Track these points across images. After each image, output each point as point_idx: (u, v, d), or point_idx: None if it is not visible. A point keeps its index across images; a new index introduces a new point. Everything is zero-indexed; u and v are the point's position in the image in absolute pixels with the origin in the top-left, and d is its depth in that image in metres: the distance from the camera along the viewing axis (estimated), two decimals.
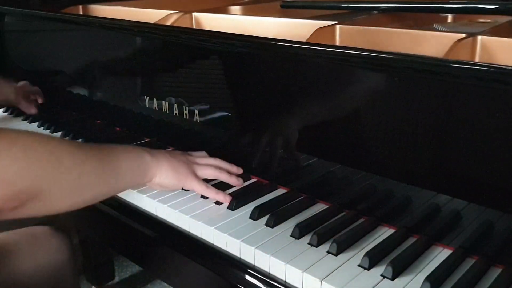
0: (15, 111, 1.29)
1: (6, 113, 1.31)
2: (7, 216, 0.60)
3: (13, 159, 0.58)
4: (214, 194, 0.82)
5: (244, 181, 0.89)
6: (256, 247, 0.70)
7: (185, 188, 0.83)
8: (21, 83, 1.30)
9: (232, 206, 0.80)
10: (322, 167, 0.82)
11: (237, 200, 0.80)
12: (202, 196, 0.84)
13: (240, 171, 0.88)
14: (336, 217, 0.77)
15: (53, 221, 1.07)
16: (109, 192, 0.73)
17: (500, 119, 0.62)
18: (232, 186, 0.86)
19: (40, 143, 0.62)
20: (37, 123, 1.22)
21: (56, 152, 0.64)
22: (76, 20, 1.24)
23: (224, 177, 0.85)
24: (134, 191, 0.86)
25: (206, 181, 0.84)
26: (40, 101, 1.29)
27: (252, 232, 0.73)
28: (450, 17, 1.14)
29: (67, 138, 1.11)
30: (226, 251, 0.73)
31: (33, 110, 1.25)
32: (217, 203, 0.82)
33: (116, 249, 1.27)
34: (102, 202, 0.89)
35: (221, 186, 0.85)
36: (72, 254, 1.00)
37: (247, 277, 0.69)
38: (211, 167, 0.85)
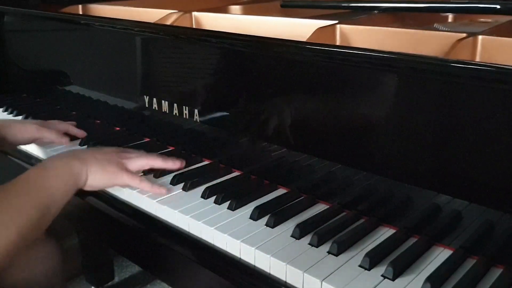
0: (14, 111, 1.29)
1: (6, 113, 1.30)
2: None
3: None
4: (149, 188, 0.82)
5: (244, 181, 0.89)
6: (256, 248, 0.70)
7: (119, 185, 0.83)
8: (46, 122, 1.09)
9: (232, 206, 0.80)
10: (322, 167, 0.82)
11: (237, 200, 0.80)
12: (202, 196, 0.83)
13: (178, 162, 0.88)
14: (337, 217, 0.77)
15: (50, 226, 1.06)
16: (54, 212, 0.74)
17: (500, 119, 0.62)
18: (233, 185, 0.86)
19: None
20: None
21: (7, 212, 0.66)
22: (75, 19, 1.24)
23: (158, 164, 0.85)
24: (134, 191, 0.86)
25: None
26: (80, 134, 1.09)
27: (252, 233, 0.73)
28: (450, 17, 1.14)
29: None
30: (226, 251, 0.73)
31: (64, 140, 1.04)
32: (217, 202, 0.82)
33: (116, 249, 1.27)
34: (101, 201, 0.90)
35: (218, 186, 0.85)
36: (62, 261, 1.00)
37: (247, 277, 0.69)
38: (143, 157, 0.85)
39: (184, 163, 0.88)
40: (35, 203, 0.71)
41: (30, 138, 1.02)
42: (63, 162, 0.78)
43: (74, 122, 1.11)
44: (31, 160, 1.09)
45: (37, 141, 1.03)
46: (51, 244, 0.99)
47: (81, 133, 1.08)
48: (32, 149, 1.08)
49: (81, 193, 0.83)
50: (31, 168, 0.76)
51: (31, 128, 1.01)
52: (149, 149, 1.02)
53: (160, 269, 0.85)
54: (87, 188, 0.80)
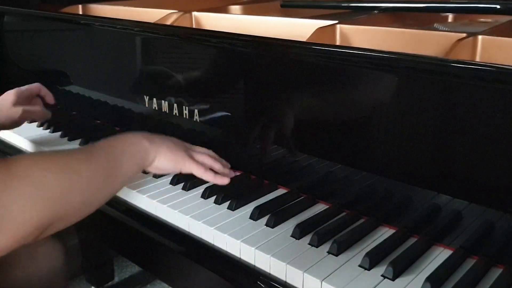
0: None
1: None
2: (29, 242, 0.60)
3: (27, 199, 0.58)
4: (212, 177, 0.82)
5: (244, 181, 0.89)
6: (256, 248, 0.70)
7: (183, 171, 0.83)
8: (13, 91, 1.09)
9: (232, 206, 0.80)
10: (322, 167, 0.82)
11: (237, 200, 0.80)
12: (202, 197, 0.83)
13: (227, 166, 0.89)
14: (337, 217, 0.77)
15: None
16: (116, 189, 0.74)
17: (500, 119, 0.62)
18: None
19: (49, 172, 0.62)
20: (37, 123, 1.22)
21: (65, 179, 0.63)
22: (75, 19, 1.24)
23: (218, 167, 0.86)
24: (134, 191, 0.86)
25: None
26: (49, 100, 1.12)
27: (252, 232, 0.73)
28: (450, 17, 1.14)
29: (66, 138, 1.11)
30: (226, 252, 0.73)
31: (46, 114, 1.07)
32: (217, 202, 0.82)
33: (115, 249, 1.27)
34: None
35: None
36: (65, 258, 1.00)
37: (247, 277, 0.69)
38: (207, 156, 0.86)
39: (233, 175, 0.88)
40: (105, 166, 0.70)
41: (18, 121, 1.05)
42: (134, 139, 0.78)
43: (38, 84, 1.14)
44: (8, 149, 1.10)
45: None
46: (54, 244, 0.99)
47: (49, 95, 1.11)
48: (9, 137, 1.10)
49: None
50: (104, 140, 0.75)
51: (17, 112, 1.02)
52: None
53: (160, 269, 0.85)
54: (153, 169, 0.80)
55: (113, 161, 0.72)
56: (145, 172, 0.89)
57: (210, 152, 0.89)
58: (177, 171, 0.83)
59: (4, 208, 0.55)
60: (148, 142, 0.79)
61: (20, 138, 1.14)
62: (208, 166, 0.85)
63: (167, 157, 0.80)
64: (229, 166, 0.90)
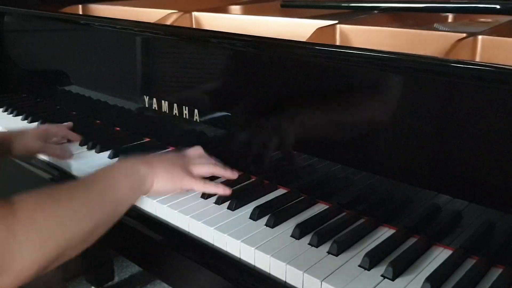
0: (14, 111, 1.29)
1: (6, 113, 1.30)
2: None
3: (31, 244, 0.59)
4: (214, 188, 0.82)
5: (244, 181, 0.89)
6: (256, 248, 0.70)
7: (183, 190, 0.83)
8: (43, 126, 1.12)
9: (232, 206, 0.80)
10: (322, 167, 0.82)
11: (237, 200, 0.80)
12: (202, 196, 0.83)
13: (235, 172, 0.88)
14: (337, 218, 0.77)
15: None
16: (115, 218, 0.73)
17: (500, 119, 0.62)
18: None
19: (53, 218, 0.63)
20: (37, 123, 1.22)
21: (67, 221, 0.65)
22: (75, 19, 1.24)
23: (219, 171, 0.86)
24: None
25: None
26: (75, 139, 1.09)
27: (252, 233, 0.73)
28: (450, 17, 1.14)
29: None
30: (226, 252, 0.73)
31: (67, 155, 1.02)
32: (217, 202, 0.82)
33: (115, 249, 1.27)
34: None
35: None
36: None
37: (247, 277, 0.69)
38: (205, 165, 0.85)
39: (237, 174, 0.88)
40: (103, 200, 0.70)
41: (33, 154, 1.04)
42: (130, 165, 0.77)
43: (71, 123, 1.13)
44: (31, 160, 1.09)
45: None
46: None
47: (77, 137, 1.09)
48: None
49: None
50: (99, 169, 0.75)
51: (35, 145, 1.01)
52: (149, 149, 1.02)
53: (160, 269, 0.85)
54: (152, 193, 0.79)
55: (110, 193, 0.72)
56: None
57: (209, 159, 0.87)
58: (177, 190, 0.82)
59: (11, 252, 0.57)
60: (144, 166, 0.77)
61: None
62: (208, 175, 0.85)
63: (164, 179, 0.79)
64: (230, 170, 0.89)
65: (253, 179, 0.90)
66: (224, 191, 0.82)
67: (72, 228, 0.65)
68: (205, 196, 0.83)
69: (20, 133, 1.03)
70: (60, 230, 0.63)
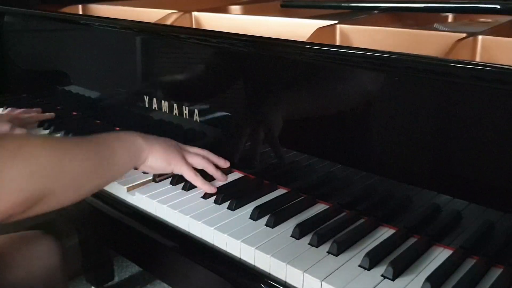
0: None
1: (1, 109, 1.30)
2: (15, 218, 0.61)
3: (18, 168, 0.59)
4: (201, 183, 0.84)
5: (244, 181, 0.89)
6: (256, 248, 0.70)
7: (174, 172, 0.85)
8: (16, 111, 1.18)
9: (232, 206, 0.80)
10: (322, 167, 0.82)
11: (237, 200, 0.80)
12: (203, 197, 0.84)
13: (227, 164, 0.90)
14: (337, 217, 0.77)
15: (46, 225, 1.06)
16: (108, 180, 0.75)
17: (500, 119, 0.62)
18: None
19: (41, 148, 0.64)
20: (37, 123, 1.22)
21: (57, 154, 0.65)
22: (75, 19, 1.24)
23: (211, 170, 0.88)
24: (134, 191, 0.86)
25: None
26: (47, 117, 1.18)
27: (252, 233, 0.73)
28: (450, 17, 1.14)
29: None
30: (226, 252, 0.73)
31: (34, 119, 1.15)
32: (217, 202, 0.82)
33: (115, 249, 1.27)
34: (101, 202, 0.90)
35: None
36: (63, 259, 1.00)
37: (247, 277, 0.69)
38: (200, 157, 0.87)
39: (226, 178, 0.89)
40: (98, 153, 0.71)
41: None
42: (129, 136, 0.80)
43: (39, 109, 1.20)
44: None
45: None
46: (50, 242, 0.99)
47: (49, 115, 1.15)
48: None
49: None
50: (98, 136, 0.77)
51: (1, 128, 1.04)
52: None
53: (160, 269, 0.85)
54: (145, 168, 0.82)
55: (107, 151, 0.73)
56: (135, 168, 0.89)
57: (205, 152, 0.89)
58: (168, 171, 0.84)
59: None
60: (143, 140, 0.80)
61: None
62: (199, 168, 0.86)
63: (160, 156, 0.81)
64: (229, 164, 0.91)
65: (253, 179, 0.90)
66: (210, 189, 0.84)
67: (62, 170, 0.65)
68: (206, 196, 0.83)
69: None
70: (47, 166, 0.63)
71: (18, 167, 0.59)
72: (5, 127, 1.04)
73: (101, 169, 0.72)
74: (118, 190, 0.89)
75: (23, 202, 0.60)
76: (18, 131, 1.07)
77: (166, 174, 0.89)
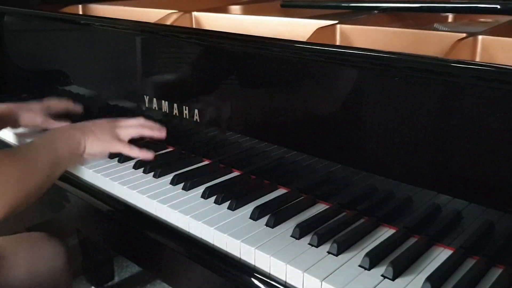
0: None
1: None
2: None
3: None
4: (136, 153, 0.89)
5: (244, 181, 0.89)
6: (256, 248, 0.70)
7: (112, 152, 0.90)
8: (46, 101, 1.15)
9: (232, 206, 0.80)
10: (322, 167, 0.82)
11: (237, 200, 0.80)
12: (202, 196, 0.84)
13: (163, 133, 0.93)
14: (337, 217, 0.77)
15: (50, 226, 1.06)
16: (55, 175, 0.81)
17: (500, 119, 0.62)
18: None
19: (9, 167, 0.73)
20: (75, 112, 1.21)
21: (23, 170, 0.75)
22: (75, 19, 1.24)
23: (147, 132, 0.92)
24: (134, 191, 0.86)
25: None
26: (77, 109, 1.15)
27: (252, 232, 0.73)
28: (450, 17, 1.14)
29: None
30: (226, 252, 0.73)
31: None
32: (217, 202, 0.82)
33: (115, 249, 1.27)
34: (102, 202, 0.90)
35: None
36: (67, 260, 1.00)
37: (247, 277, 0.69)
38: (133, 127, 0.92)
39: (164, 132, 0.94)
40: (43, 160, 0.79)
41: (36, 127, 1.10)
42: (66, 131, 0.88)
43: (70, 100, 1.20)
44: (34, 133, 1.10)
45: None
46: (56, 244, 0.99)
47: (78, 108, 1.16)
48: None
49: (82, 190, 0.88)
50: (37, 136, 0.85)
51: (39, 119, 1.09)
52: (149, 149, 1.02)
53: (160, 269, 0.85)
54: (86, 155, 0.87)
55: (50, 157, 0.81)
56: (120, 160, 0.97)
57: (138, 120, 0.94)
58: (106, 152, 0.90)
59: None
60: (79, 132, 0.86)
61: (20, 138, 1.14)
62: (135, 136, 0.91)
63: (94, 143, 0.87)
64: (165, 133, 0.94)
65: (253, 179, 0.90)
66: (146, 155, 0.89)
67: (26, 182, 0.74)
68: (205, 196, 0.83)
69: (27, 106, 1.10)
70: (15, 182, 0.72)
71: None
72: (39, 119, 1.08)
73: (48, 171, 0.79)
74: (119, 189, 0.89)
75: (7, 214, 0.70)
76: (53, 123, 1.09)
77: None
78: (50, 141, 0.84)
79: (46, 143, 0.83)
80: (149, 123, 0.94)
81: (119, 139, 0.90)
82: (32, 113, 1.08)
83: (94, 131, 0.88)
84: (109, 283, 1.70)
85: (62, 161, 0.82)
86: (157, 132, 0.93)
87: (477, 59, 0.79)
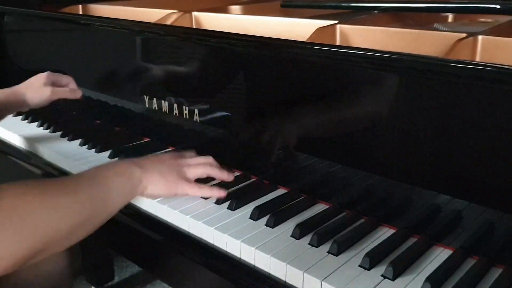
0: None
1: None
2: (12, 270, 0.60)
3: (13, 231, 0.58)
4: (208, 193, 0.82)
5: (244, 181, 0.89)
6: (256, 248, 0.70)
7: (178, 195, 0.81)
8: (45, 74, 1.13)
9: (232, 206, 0.80)
10: (322, 167, 0.82)
11: (237, 200, 0.80)
12: (202, 196, 0.83)
13: (231, 177, 0.87)
14: (337, 217, 0.77)
15: None
16: (103, 221, 0.72)
17: (500, 119, 0.62)
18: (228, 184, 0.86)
19: (37, 206, 0.62)
20: (37, 122, 1.22)
21: (53, 211, 0.63)
22: (75, 19, 1.24)
23: (215, 173, 0.85)
24: None
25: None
26: (75, 95, 1.14)
27: (252, 233, 0.73)
28: (450, 17, 1.14)
29: (66, 138, 1.11)
30: (226, 252, 0.73)
31: (77, 94, 1.11)
32: (217, 202, 0.82)
33: (115, 249, 1.27)
34: None
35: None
36: (68, 260, 1.00)
37: (247, 277, 0.69)
38: (201, 166, 0.84)
39: (232, 176, 0.87)
40: (93, 197, 0.68)
41: (47, 100, 1.10)
42: (124, 167, 0.76)
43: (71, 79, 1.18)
44: (30, 160, 1.09)
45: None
46: None
47: (79, 92, 1.14)
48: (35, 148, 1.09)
49: None
50: (92, 167, 0.74)
51: (46, 92, 1.08)
52: (149, 149, 1.02)
53: (160, 269, 0.85)
54: (145, 196, 0.79)
55: (104, 193, 0.70)
56: None
57: (205, 158, 0.86)
58: (171, 195, 0.81)
59: None
60: (139, 169, 0.76)
61: (20, 138, 1.14)
62: (204, 177, 0.84)
63: (159, 184, 0.78)
64: (233, 177, 0.87)
65: (253, 179, 0.90)
66: (219, 193, 0.81)
67: (58, 222, 0.63)
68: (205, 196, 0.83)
69: (29, 83, 1.10)
70: (44, 222, 0.61)
71: (14, 228, 0.58)
72: (46, 92, 1.07)
73: (96, 214, 0.69)
74: None
75: (19, 261, 0.59)
76: (61, 92, 1.10)
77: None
78: (101, 177, 0.71)
79: (96, 179, 0.70)
80: (216, 163, 0.86)
81: (187, 179, 0.81)
82: (38, 88, 1.08)
83: (159, 169, 0.78)
84: (109, 283, 1.70)
85: (112, 202, 0.71)
86: (225, 174, 0.85)
87: (477, 59, 0.79)
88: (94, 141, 1.06)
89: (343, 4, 1.16)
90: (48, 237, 0.61)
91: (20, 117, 1.27)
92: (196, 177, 0.83)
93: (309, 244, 0.70)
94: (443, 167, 0.69)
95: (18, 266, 0.59)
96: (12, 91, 1.07)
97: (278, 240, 0.71)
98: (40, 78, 1.10)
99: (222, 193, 0.81)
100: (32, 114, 1.25)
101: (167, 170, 0.79)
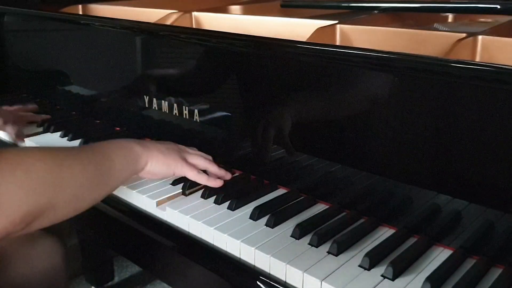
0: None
1: None
2: (15, 235, 0.60)
3: (17, 184, 0.58)
4: (205, 180, 0.83)
5: (244, 181, 0.89)
6: (256, 248, 0.70)
7: (176, 175, 0.83)
8: (11, 108, 1.19)
9: (232, 206, 0.80)
10: (322, 167, 0.82)
11: (237, 200, 0.80)
12: (202, 196, 0.83)
13: (228, 175, 0.88)
14: (337, 217, 0.77)
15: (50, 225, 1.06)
16: (107, 191, 0.74)
17: (500, 119, 0.62)
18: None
19: (41, 161, 0.62)
20: (37, 123, 1.22)
21: (57, 168, 0.64)
22: (75, 19, 1.24)
23: (213, 169, 0.86)
24: (134, 191, 0.86)
25: None
26: (39, 118, 1.19)
27: (252, 233, 0.73)
28: (450, 17, 1.14)
29: (66, 138, 1.11)
30: (226, 252, 0.73)
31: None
32: (217, 202, 0.82)
33: (115, 249, 1.27)
34: (101, 201, 0.89)
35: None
36: (65, 258, 1.00)
37: (247, 277, 0.69)
38: (202, 158, 0.86)
39: (230, 175, 0.88)
40: (96, 162, 0.70)
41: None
42: (126, 144, 0.78)
43: (35, 106, 1.22)
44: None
45: None
46: (53, 242, 0.99)
47: (45, 116, 1.15)
48: None
49: None
50: (95, 143, 0.76)
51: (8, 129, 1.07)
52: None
53: (160, 269, 0.85)
54: (145, 173, 0.81)
55: (105, 161, 0.72)
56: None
57: (204, 154, 0.89)
58: (170, 174, 0.83)
59: None
60: (140, 146, 0.79)
61: None
62: (202, 168, 0.85)
63: (159, 161, 0.80)
64: (230, 176, 0.89)
65: (253, 179, 0.90)
66: (215, 183, 0.83)
67: (61, 180, 0.63)
68: (205, 196, 0.83)
69: None
70: (47, 180, 0.62)
71: (18, 181, 0.58)
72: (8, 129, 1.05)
73: (100, 180, 0.70)
74: (119, 189, 0.89)
75: (23, 217, 0.59)
76: (9, 128, 1.08)
77: (198, 186, 0.86)
78: (103, 147, 0.73)
79: (98, 149, 0.72)
80: (214, 163, 0.88)
81: (187, 162, 0.83)
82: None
83: (160, 149, 0.81)
84: (109, 283, 1.70)
85: (115, 174, 0.72)
86: (223, 172, 0.86)
87: (477, 59, 0.79)
88: (94, 141, 1.06)
89: (343, 4, 1.16)
90: (52, 194, 0.62)
91: None
92: (195, 165, 0.85)
93: (309, 244, 0.70)
94: (443, 167, 0.69)
95: (24, 223, 0.59)
96: None
97: (278, 240, 0.71)
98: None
99: (218, 182, 0.83)
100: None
101: (167, 150, 0.82)
